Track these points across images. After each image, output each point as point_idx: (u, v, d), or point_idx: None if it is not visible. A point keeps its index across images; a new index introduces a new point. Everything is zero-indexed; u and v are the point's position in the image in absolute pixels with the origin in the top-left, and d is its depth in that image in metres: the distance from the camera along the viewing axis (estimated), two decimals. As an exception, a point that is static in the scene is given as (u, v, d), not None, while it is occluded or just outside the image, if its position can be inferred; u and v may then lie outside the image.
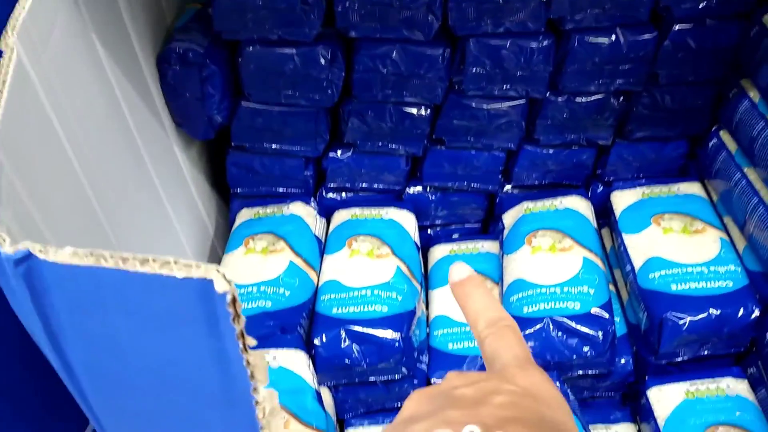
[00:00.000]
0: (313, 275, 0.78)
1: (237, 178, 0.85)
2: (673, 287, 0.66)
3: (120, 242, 0.58)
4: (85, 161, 0.51)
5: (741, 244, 0.71)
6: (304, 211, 0.85)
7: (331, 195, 0.88)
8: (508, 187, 0.87)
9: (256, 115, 0.76)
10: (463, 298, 0.32)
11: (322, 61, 0.70)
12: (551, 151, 0.82)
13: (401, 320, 0.69)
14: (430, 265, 0.86)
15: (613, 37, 0.69)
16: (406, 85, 0.73)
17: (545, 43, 0.69)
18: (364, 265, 0.77)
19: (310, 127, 0.78)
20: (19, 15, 0.39)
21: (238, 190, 0.87)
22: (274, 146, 0.80)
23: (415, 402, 0.27)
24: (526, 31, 0.69)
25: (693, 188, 0.80)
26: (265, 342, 0.68)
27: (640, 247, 0.72)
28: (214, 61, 0.70)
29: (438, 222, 0.90)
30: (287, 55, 0.69)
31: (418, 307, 0.75)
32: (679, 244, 0.70)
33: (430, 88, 0.74)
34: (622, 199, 0.82)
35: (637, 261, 0.71)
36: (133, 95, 0.64)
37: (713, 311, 0.64)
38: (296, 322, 0.72)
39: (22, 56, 0.39)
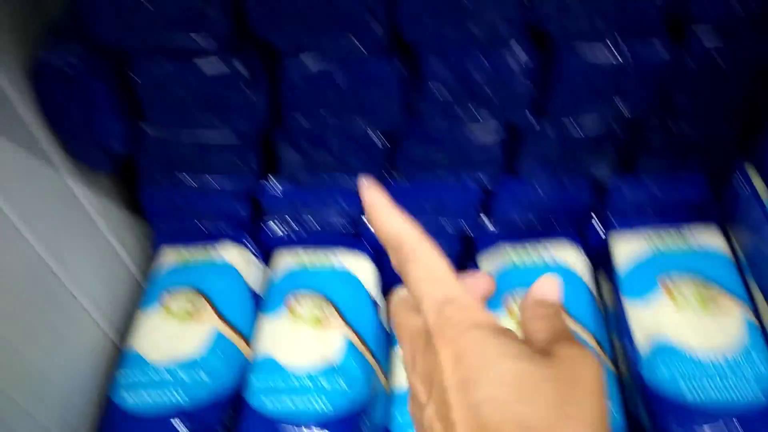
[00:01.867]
0: (245, 348, 0.63)
1: (155, 214, 0.70)
2: (687, 393, 0.50)
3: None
4: None
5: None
6: (236, 256, 0.70)
7: (273, 230, 0.72)
8: (486, 223, 0.71)
9: (163, 143, 0.61)
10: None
11: (240, 77, 0.54)
12: (537, 186, 0.66)
13: (350, 424, 0.54)
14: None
15: (616, 51, 0.53)
16: (350, 106, 0.57)
17: (526, 56, 0.53)
18: (306, 336, 0.61)
19: (234, 157, 0.62)
20: None
21: (161, 225, 0.72)
22: (192, 180, 0.65)
23: None
24: (501, 41, 0.52)
25: (712, 238, 0.63)
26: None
27: (645, 322, 0.56)
28: (96, 75, 0.54)
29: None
30: (193, 67, 0.54)
31: (375, 389, 0.60)
32: (694, 322, 0.54)
33: (381, 111, 0.58)
34: (624, 249, 0.66)
35: (642, 342, 0.55)
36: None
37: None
38: (217, 423, 0.57)
39: None
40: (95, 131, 0.57)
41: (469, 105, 0.56)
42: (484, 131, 0.60)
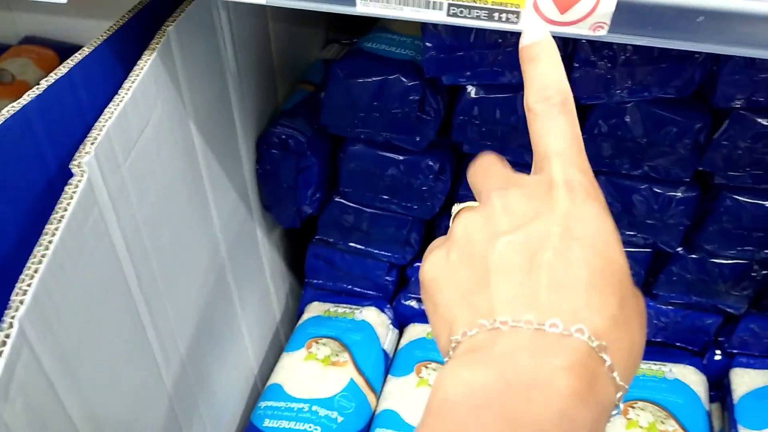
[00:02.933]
0: (372, 400, 0.70)
1: (315, 269, 0.79)
2: None
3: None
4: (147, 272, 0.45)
5: None
6: (377, 319, 0.78)
7: (410, 303, 0.80)
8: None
9: (347, 212, 0.70)
10: (527, 62, 0.30)
11: (429, 172, 0.63)
12: (670, 307, 0.71)
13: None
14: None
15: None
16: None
17: (688, 194, 0.60)
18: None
19: (401, 234, 0.71)
20: (107, 119, 0.35)
21: (314, 281, 0.81)
22: (359, 246, 0.74)
23: (467, 239, 0.27)
24: (668, 177, 0.60)
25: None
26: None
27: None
28: (314, 153, 0.65)
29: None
30: (393, 161, 0.63)
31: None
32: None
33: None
34: (744, 380, 0.69)
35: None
36: (222, 177, 0.60)
37: None
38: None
39: (93, 180, 0.34)
40: (299, 195, 0.67)
41: (627, 227, 0.63)
42: (632, 251, 0.66)
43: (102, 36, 0.42)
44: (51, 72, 0.37)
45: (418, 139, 0.61)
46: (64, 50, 0.81)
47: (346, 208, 0.70)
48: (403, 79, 0.58)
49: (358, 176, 0.66)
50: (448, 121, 0.61)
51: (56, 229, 0.30)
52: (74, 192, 0.32)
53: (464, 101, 0.58)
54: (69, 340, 0.35)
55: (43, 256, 0.30)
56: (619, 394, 0.24)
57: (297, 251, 0.83)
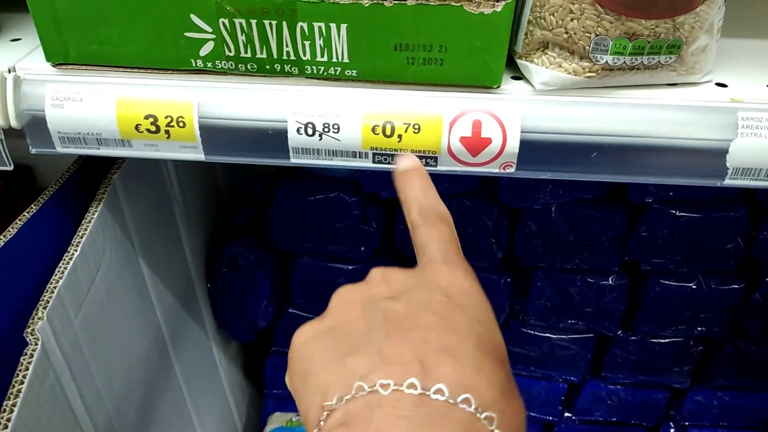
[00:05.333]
0: None
1: (274, 380, 0.79)
2: None
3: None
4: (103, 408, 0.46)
5: None
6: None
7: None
8: (568, 416, 0.78)
9: (301, 323, 0.71)
10: (403, 185, 0.32)
11: (377, 278, 0.66)
12: (619, 387, 0.74)
13: None
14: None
15: (695, 285, 0.63)
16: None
17: (618, 282, 0.64)
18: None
19: (356, 339, 0.72)
20: (58, 279, 0.37)
21: (274, 391, 0.81)
22: (315, 354, 0.74)
23: (343, 307, 0.26)
24: (599, 268, 0.64)
25: (786, 453, 0.69)
26: None
27: None
28: (264, 268, 0.67)
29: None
30: (342, 270, 0.66)
31: None
32: None
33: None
34: (700, 453, 0.72)
35: None
36: (176, 305, 0.61)
37: None
38: None
39: (47, 343, 0.36)
40: (252, 310, 0.69)
41: (568, 317, 0.66)
42: (577, 338, 0.69)
43: (49, 191, 0.43)
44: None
45: (363, 249, 0.64)
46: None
47: (301, 319, 0.71)
48: (344, 196, 0.61)
49: (309, 287, 0.68)
50: (391, 228, 0.64)
51: (14, 405, 0.30)
52: (29, 362, 0.33)
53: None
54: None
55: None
56: None
57: (255, 362, 0.83)
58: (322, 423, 0.22)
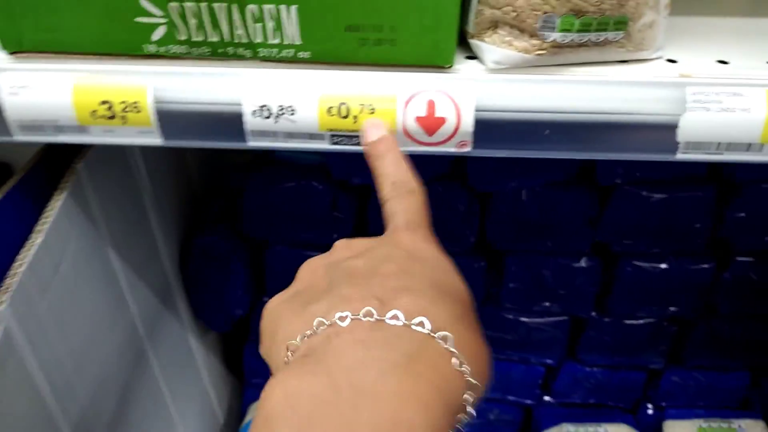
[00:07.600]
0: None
1: (253, 370, 0.80)
2: None
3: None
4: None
5: None
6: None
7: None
8: (547, 399, 0.79)
9: (277, 312, 0.72)
10: (374, 159, 0.32)
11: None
12: (596, 369, 0.74)
13: None
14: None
15: (665, 265, 0.64)
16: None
17: (590, 263, 0.64)
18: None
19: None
20: (20, 265, 0.37)
21: (253, 381, 0.81)
22: (294, 343, 0.75)
23: (308, 273, 0.28)
24: (570, 250, 0.64)
25: (756, 430, 0.70)
26: None
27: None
28: (239, 258, 0.67)
29: (467, 433, 0.82)
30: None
31: None
32: None
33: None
34: (676, 431, 0.72)
35: None
36: (148, 293, 0.61)
37: None
38: None
39: (9, 328, 0.36)
40: (226, 299, 0.69)
41: (541, 300, 0.67)
42: (551, 321, 0.69)
43: (11, 181, 0.43)
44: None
45: (335, 236, 0.64)
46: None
47: (276, 308, 0.71)
48: (314, 183, 0.61)
49: (283, 275, 0.68)
50: (364, 215, 0.65)
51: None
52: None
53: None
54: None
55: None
56: (470, 394, 0.22)
57: (234, 353, 0.83)
58: (287, 360, 0.23)
